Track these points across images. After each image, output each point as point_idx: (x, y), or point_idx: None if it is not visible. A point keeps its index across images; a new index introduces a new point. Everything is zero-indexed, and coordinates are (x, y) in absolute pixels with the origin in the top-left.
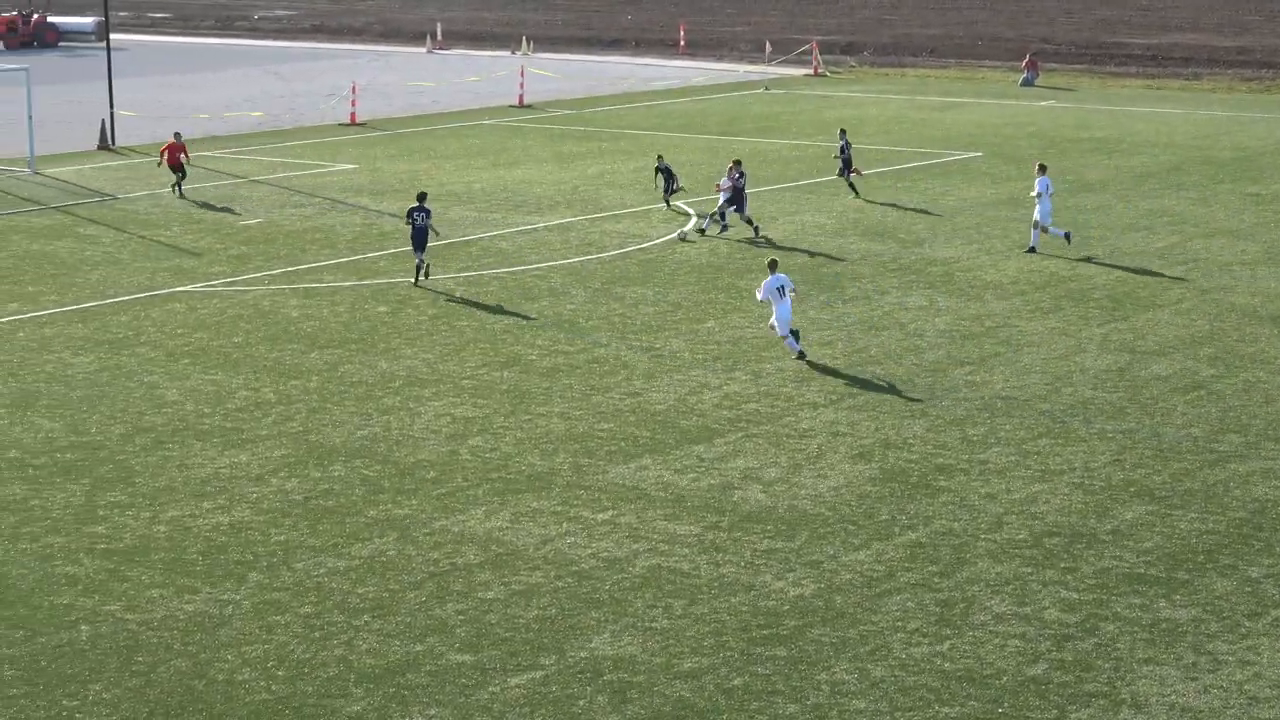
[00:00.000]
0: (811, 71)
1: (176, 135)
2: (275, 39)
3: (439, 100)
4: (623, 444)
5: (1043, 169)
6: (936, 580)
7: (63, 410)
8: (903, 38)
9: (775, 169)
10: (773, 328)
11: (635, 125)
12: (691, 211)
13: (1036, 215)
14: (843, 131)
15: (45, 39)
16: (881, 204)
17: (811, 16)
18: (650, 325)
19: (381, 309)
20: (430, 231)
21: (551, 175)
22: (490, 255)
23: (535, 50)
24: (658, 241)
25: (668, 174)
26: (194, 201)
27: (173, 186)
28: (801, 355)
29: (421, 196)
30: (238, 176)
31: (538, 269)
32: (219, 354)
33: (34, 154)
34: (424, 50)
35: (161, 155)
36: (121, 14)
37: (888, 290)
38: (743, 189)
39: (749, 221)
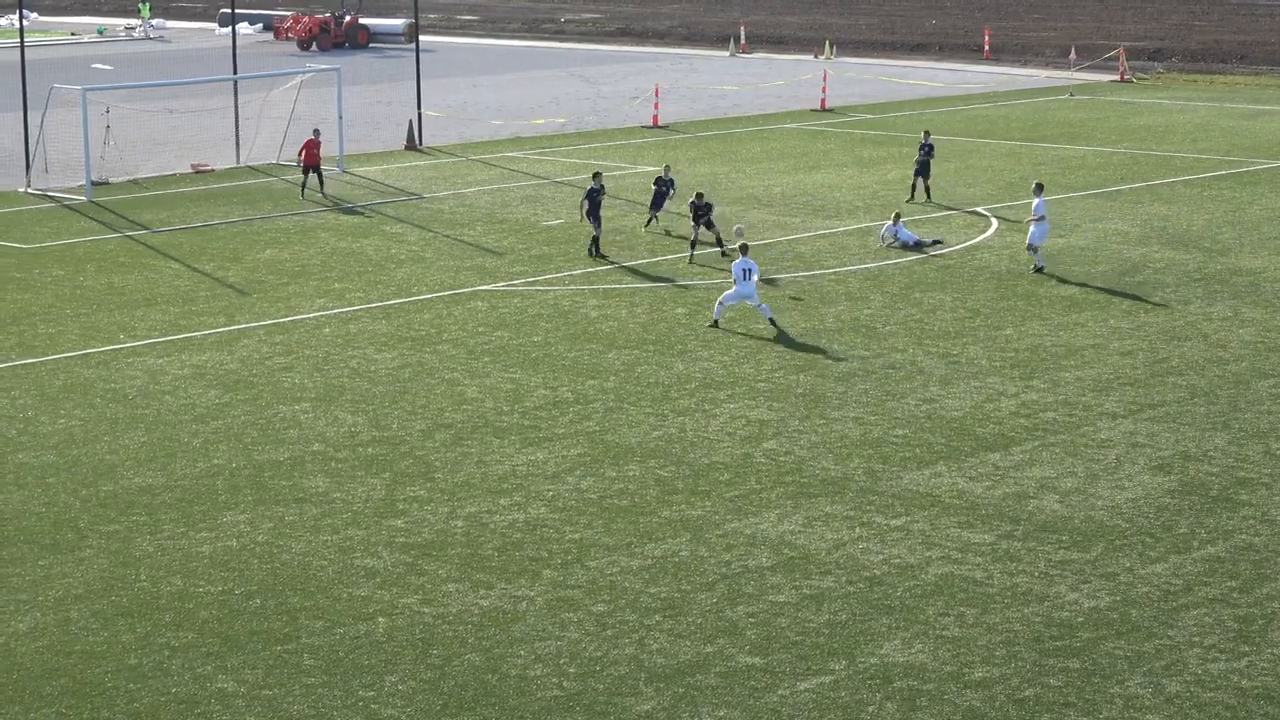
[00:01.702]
0: (1118, 77)
1: (316, 132)
2: (581, 42)
3: (741, 104)
4: (917, 450)
5: (1039, 188)
6: (1235, 596)
7: (366, 405)
8: (1212, 44)
9: (1079, 176)
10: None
11: (937, 130)
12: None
13: (1034, 238)
14: (926, 133)
15: (357, 40)
16: (1187, 212)
17: (1119, 22)
18: (947, 331)
19: (679, 310)
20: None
21: (851, 180)
22: (788, 258)
23: (838, 54)
24: (957, 247)
25: (668, 188)
26: (496, 201)
27: (301, 188)
28: (773, 322)
29: (596, 175)
30: (540, 177)
31: (835, 273)
32: (518, 352)
33: (343, 153)
34: (727, 54)
35: (300, 154)
36: (431, 16)
37: (1191, 300)
38: (665, 195)
39: (654, 221)
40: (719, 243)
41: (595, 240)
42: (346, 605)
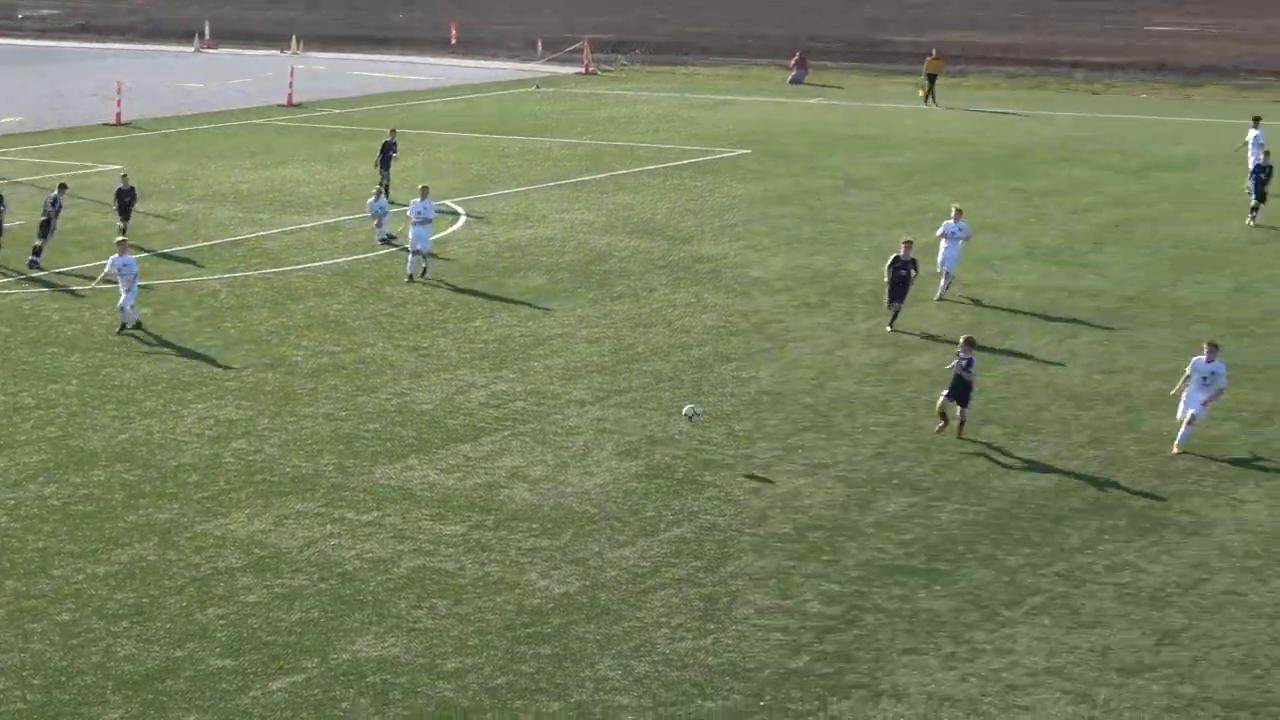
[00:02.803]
0: (583, 70)
1: None
2: (39, 39)
3: (207, 100)
4: (389, 444)
5: (959, 213)
6: (701, 575)
7: None
8: (674, 36)
9: (546, 167)
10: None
11: (405, 124)
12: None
13: (947, 265)
14: (392, 130)
15: None
16: (651, 201)
17: (583, 15)
18: (418, 324)
19: (145, 311)
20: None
21: (319, 175)
22: (256, 255)
23: (305, 49)
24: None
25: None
26: None
27: None
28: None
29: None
30: None
31: (304, 269)
32: None
33: None
34: (192, 49)
35: None
36: None
37: (656, 287)
38: (129, 206)
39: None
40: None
41: (36, 249)
42: None
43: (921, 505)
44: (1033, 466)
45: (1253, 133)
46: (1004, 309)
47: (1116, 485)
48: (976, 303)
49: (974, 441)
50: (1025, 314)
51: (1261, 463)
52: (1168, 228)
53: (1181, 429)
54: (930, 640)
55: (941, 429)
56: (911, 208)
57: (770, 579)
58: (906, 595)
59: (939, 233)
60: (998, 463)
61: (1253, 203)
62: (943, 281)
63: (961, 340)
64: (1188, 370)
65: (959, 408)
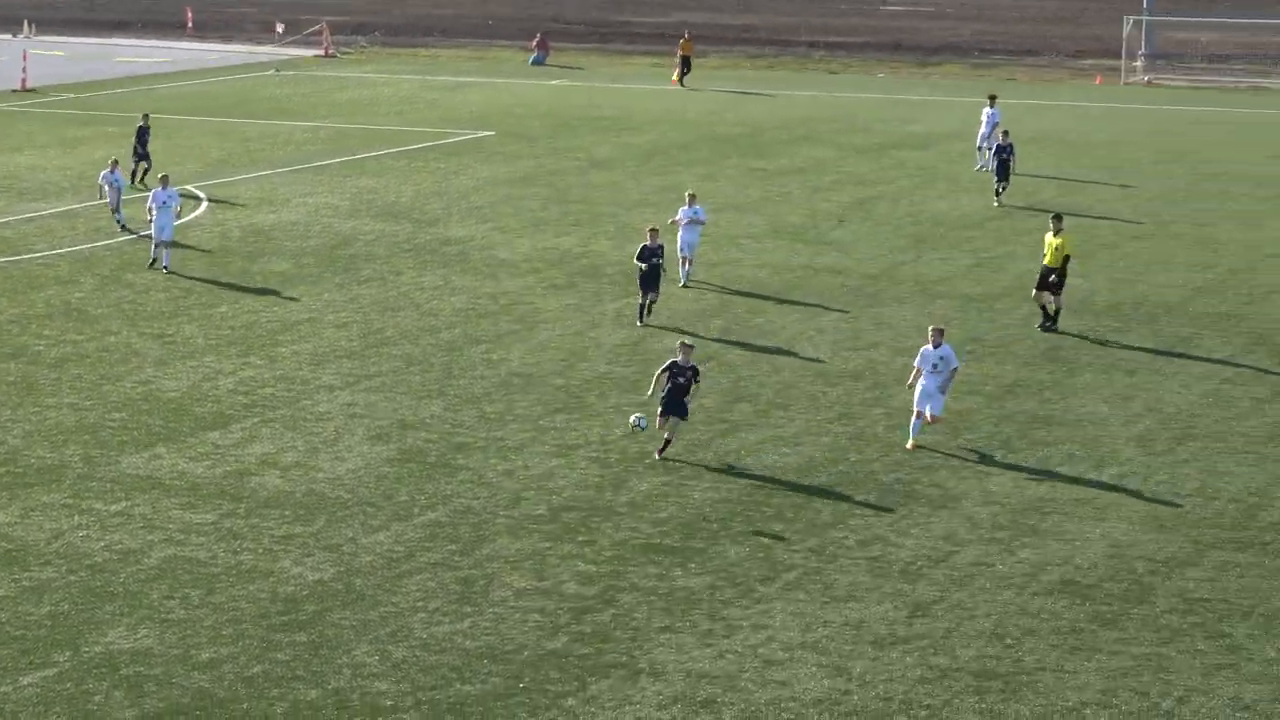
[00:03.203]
0: (323, 53)
1: None
2: None
3: None
4: (135, 433)
5: (692, 198)
6: (456, 559)
7: None
8: (415, 18)
9: (288, 151)
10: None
11: (142, 109)
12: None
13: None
14: (145, 115)
15: None
16: (396, 184)
17: None
18: (162, 311)
19: None
20: None
21: (56, 161)
22: None
23: (39, 33)
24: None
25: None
26: None
27: None
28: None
29: None
30: None
31: (44, 257)
32: None
33: None
34: None
35: None
36: None
37: (403, 270)
38: None
39: None
40: None
41: None
42: None
43: (674, 484)
44: (783, 443)
45: (988, 111)
46: (749, 289)
47: (866, 460)
48: (723, 289)
49: (725, 421)
50: (772, 292)
51: (1005, 435)
52: (908, 205)
53: (913, 421)
54: (687, 618)
55: (662, 451)
56: (655, 188)
57: (526, 561)
58: (662, 574)
59: (676, 218)
60: (749, 440)
61: (996, 185)
62: (685, 267)
63: (679, 344)
64: (916, 361)
65: (674, 419)
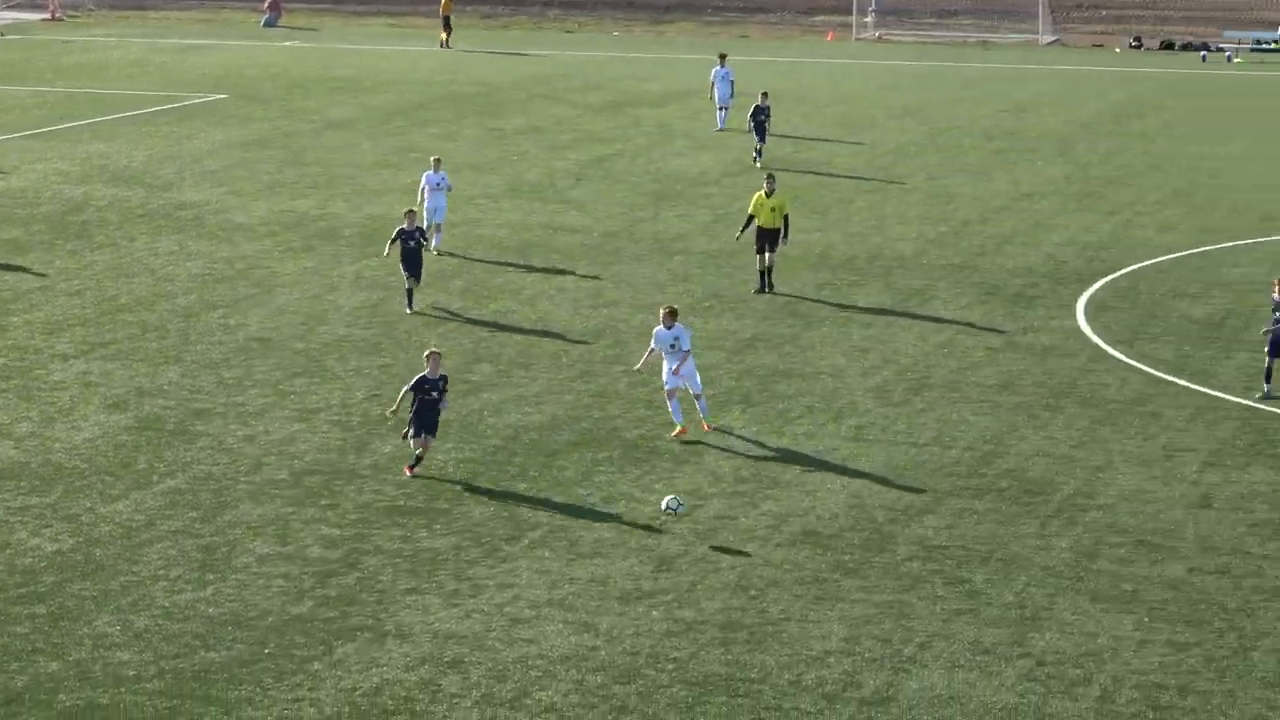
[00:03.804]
0: (49, 16)
1: None
2: None
3: None
4: None
5: (438, 163)
6: (198, 526)
7: None
8: None
9: (14, 116)
10: None
11: None
12: None
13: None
14: None
15: None
16: (127, 148)
17: None
18: None
19: None
20: None
21: None
22: None
23: None
24: None
25: None
26: None
27: None
28: None
29: None
30: None
31: None
32: None
33: None
34: None
35: None
36: None
37: (137, 236)
38: None
39: None
40: None
41: None
42: None
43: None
44: (526, 402)
45: (718, 69)
46: (488, 249)
47: (609, 417)
48: (463, 251)
49: (467, 381)
50: (512, 252)
51: (745, 390)
52: (646, 162)
53: (670, 403)
54: (432, 579)
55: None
56: (392, 149)
57: (269, 526)
58: (407, 535)
59: (421, 185)
60: (491, 400)
61: (756, 145)
62: (436, 235)
63: (426, 354)
64: (652, 343)
65: (426, 435)
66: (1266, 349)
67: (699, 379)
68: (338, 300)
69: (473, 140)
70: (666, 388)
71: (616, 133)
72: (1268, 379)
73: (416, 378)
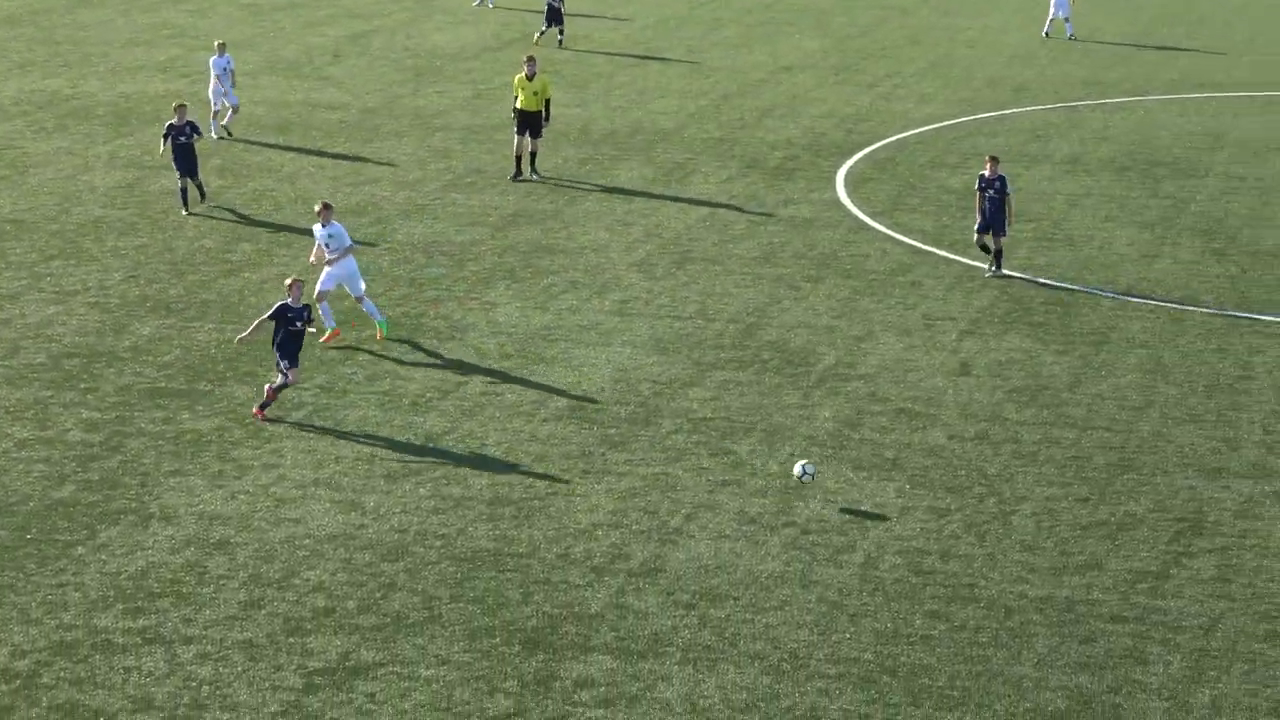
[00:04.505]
0: None
1: None
2: None
3: None
4: None
5: (222, 47)
6: None
7: None
8: None
9: None
10: None
11: None
12: None
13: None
14: None
15: None
16: None
17: None
18: None
19: None
20: None
21: None
22: None
23: None
24: None
25: None
26: None
27: None
28: None
29: None
30: None
31: None
32: None
33: None
34: None
35: None
36: None
37: None
38: None
39: None
40: None
41: None
42: None
43: (178, 326)
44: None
45: None
46: (246, 127)
47: (371, 295)
48: (229, 136)
49: (227, 262)
50: (270, 130)
51: (510, 266)
52: (405, 38)
53: (320, 306)
54: (196, 460)
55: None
56: (146, 25)
57: (28, 410)
58: (169, 417)
59: (211, 71)
60: (252, 280)
61: (547, 28)
62: (230, 114)
63: (288, 283)
64: (318, 240)
65: (291, 370)
66: (977, 228)
67: (361, 283)
68: (92, 180)
69: (227, 16)
70: (319, 288)
71: (374, 8)
72: (997, 259)
73: (277, 306)
